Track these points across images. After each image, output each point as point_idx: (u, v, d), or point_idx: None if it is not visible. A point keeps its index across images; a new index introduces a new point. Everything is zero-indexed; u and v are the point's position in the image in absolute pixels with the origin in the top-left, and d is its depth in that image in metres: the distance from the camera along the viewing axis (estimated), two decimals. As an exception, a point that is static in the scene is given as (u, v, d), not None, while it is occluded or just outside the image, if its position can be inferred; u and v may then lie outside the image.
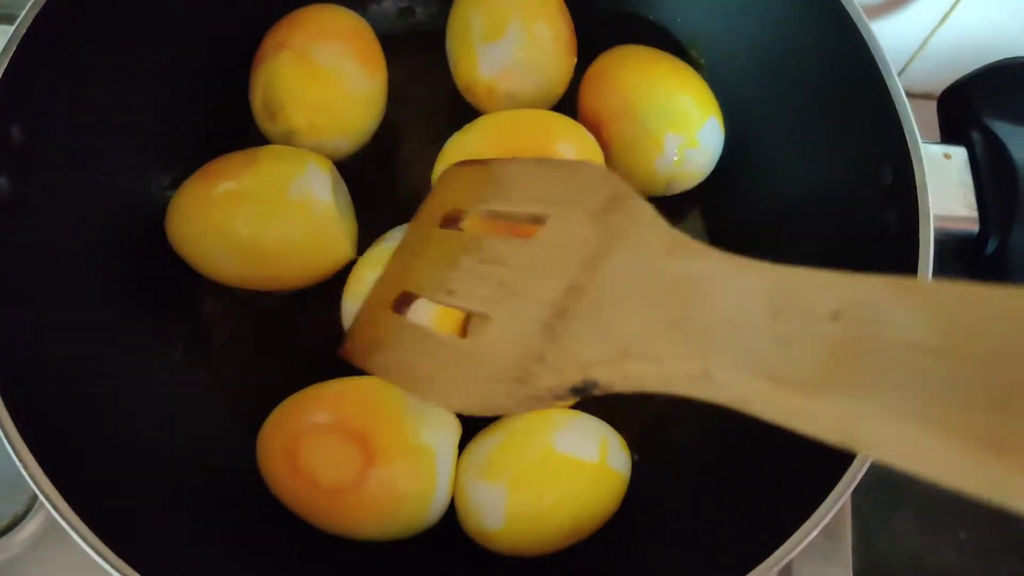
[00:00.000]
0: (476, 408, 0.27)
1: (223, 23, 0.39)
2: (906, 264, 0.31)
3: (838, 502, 0.28)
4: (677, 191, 0.40)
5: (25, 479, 0.27)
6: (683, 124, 0.38)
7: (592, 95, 0.40)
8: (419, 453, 0.32)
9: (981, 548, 0.58)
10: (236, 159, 0.36)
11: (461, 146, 0.37)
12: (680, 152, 0.38)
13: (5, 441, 0.27)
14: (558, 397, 0.24)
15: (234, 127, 0.38)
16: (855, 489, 0.29)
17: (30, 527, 0.38)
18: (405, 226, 0.36)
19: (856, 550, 0.47)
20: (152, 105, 0.37)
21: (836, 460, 0.29)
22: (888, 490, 0.59)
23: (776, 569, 0.28)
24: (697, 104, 0.38)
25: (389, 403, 0.33)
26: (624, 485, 0.34)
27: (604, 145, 0.38)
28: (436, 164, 0.38)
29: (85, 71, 0.34)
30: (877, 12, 0.48)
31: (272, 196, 0.35)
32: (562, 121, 0.38)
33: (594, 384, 0.22)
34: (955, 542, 0.58)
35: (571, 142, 0.37)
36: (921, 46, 0.51)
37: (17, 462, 0.27)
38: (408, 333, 0.31)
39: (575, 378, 0.23)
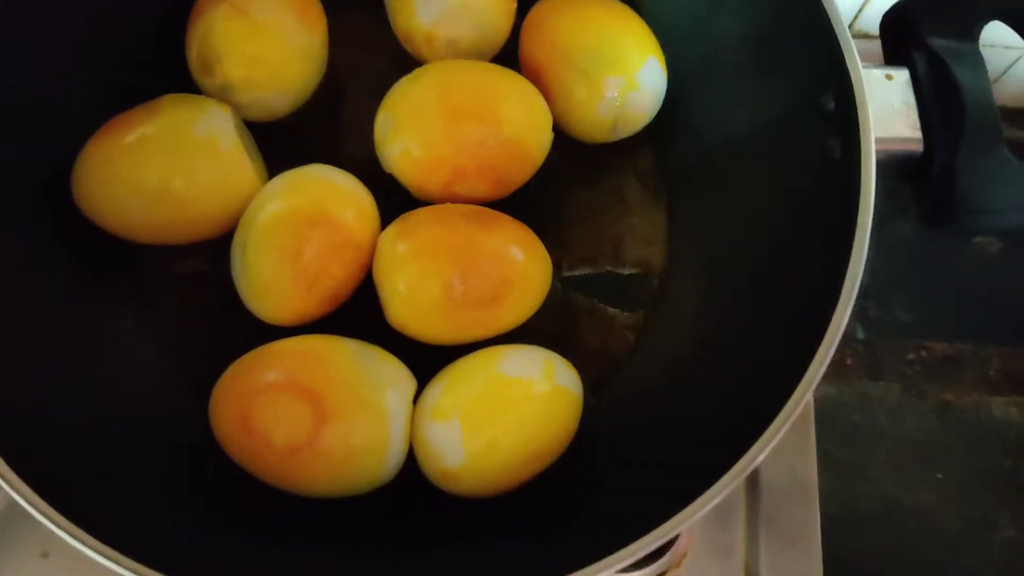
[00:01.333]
0: None
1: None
2: (850, 188, 0.31)
3: (785, 424, 0.28)
4: (624, 135, 0.40)
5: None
6: (622, 66, 0.37)
7: (530, 43, 0.39)
8: (372, 408, 0.32)
9: (958, 486, 0.59)
10: (137, 112, 0.35)
11: (406, 96, 0.36)
12: (621, 95, 0.37)
13: None
14: None
15: (169, 86, 0.37)
16: (828, 438, 0.29)
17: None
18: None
19: (830, 496, 0.47)
20: (82, 63, 0.36)
21: (779, 393, 0.29)
22: (863, 436, 0.60)
23: (743, 476, 0.28)
24: (636, 45, 0.38)
25: (341, 360, 0.33)
26: (577, 404, 0.34)
27: (546, 93, 0.38)
28: (378, 113, 0.37)
29: (5, 23, 0.33)
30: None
31: (177, 139, 0.34)
32: (508, 77, 0.37)
33: None
34: (932, 482, 0.58)
35: (517, 100, 0.37)
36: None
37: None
38: None
39: None
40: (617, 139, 0.40)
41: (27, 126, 0.34)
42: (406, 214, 0.36)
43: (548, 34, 0.38)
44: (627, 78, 0.37)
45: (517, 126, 0.36)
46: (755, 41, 0.36)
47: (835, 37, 0.32)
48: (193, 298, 0.38)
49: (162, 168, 0.34)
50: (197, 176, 0.34)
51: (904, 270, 0.63)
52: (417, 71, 0.37)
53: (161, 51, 0.39)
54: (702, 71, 0.39)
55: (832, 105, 0.33)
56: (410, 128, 0.36)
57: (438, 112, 0.35)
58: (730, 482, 0.28)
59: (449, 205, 0.36)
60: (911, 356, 0.63)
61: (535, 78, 0.38)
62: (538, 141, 0.37)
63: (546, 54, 0.38)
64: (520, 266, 0.35)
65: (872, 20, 0.51)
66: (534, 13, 0.40)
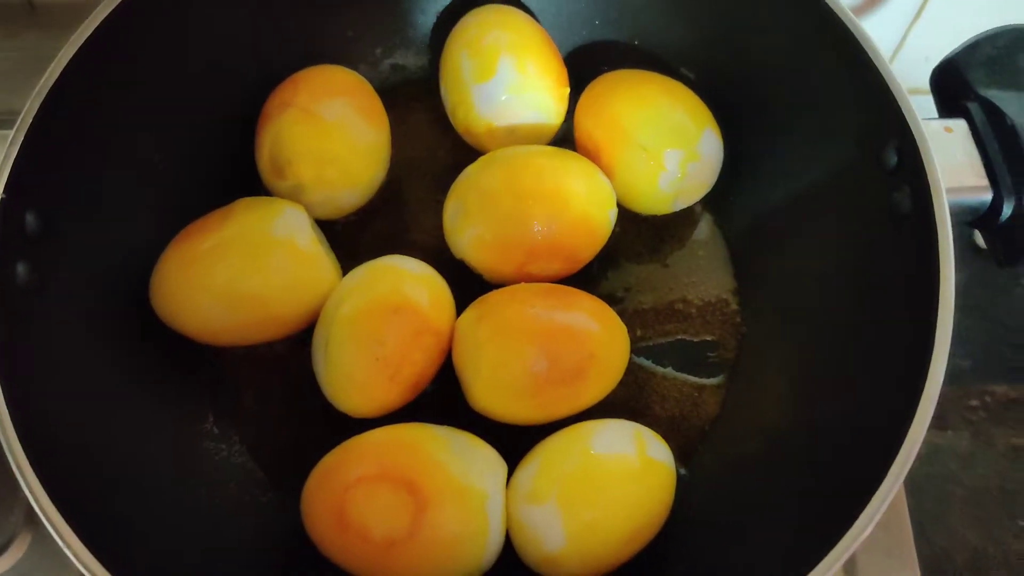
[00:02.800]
0: None
1: (225, 92, 0.40)
2: (925, 240, 0.32)
3: (892, 490, 0.28)
4: (684, 206, 0.40)
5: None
6: (681, 139, 0.38)
7: (587, 123, 0.40)
8: (470, 495, 0.32)
9: (1041, 534, 0.57)
10: (212, 217, 0.36)
11: (474, 184, 0.38)
12: (682, 167, 0.38)
13: (47, 523, 0.26)
14: None
15: (240, 190, 0.39)
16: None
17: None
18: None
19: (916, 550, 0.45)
20: (157, 176, 0.38)
21: (882, 451, 0.28)
22: (937, 487, 0.58)
23: (839, 564, 0.27)
24: (692, 118, 0.39)
25: (433, 447, 0.33)
26: (671, 477, 0.34)
27: (607, 170, 0.39)
28: (447, 202, 0.38)
29: (92, 152, 0.34)
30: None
31: (255, 240, 0.35)
32: (568, 158, 0.38)
33: None
34: (1015, 528, 0.56)
35: (580, 178, 0.38)
36: (899, 45, 0.53)
37: (60, 542, 0.26)
38: None
39: None
40: (676, 211, 0.40)
41: (107, 234, 0.35)
42: (482, 297, 0.36)
43: (605, 112, 0.39)
44: (687, 150, 0.38)
45: (583, 203, 0.37)
46: (809, 103, 0.37)
47: (891, 93, 0.33)
48: (272, 397, 0.39)
49: (242, 270, 0.35)
50: (277, 276, 0.35)
51: (957, 316, 0.63)
52: (482, 159, 0.38)
53: (228, 158, 0.40)
54: (757, 136, 0.40)
55: (894, 159, 0.33)
56: (480, 214, 0.37)
57: (507, 197, 0.36)
58: (828, 569, 0.27)
59: (523, 285, 0.36)
60: (975, 402, 0.62)
61: (595, 156, 0.39)
62: (604, 216, 0.38)
63: (605, 132, 0.39)
64: (601, 340, 0.35)
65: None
66: (588, 93, 0.41)
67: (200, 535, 0.34)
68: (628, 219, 0.41)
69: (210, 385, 0.38)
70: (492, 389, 0.34)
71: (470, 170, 0.38)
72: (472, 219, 0.37)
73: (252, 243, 0.35)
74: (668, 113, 0.38)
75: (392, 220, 0.42)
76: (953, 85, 0.35)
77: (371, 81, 0.42)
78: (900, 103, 0.33)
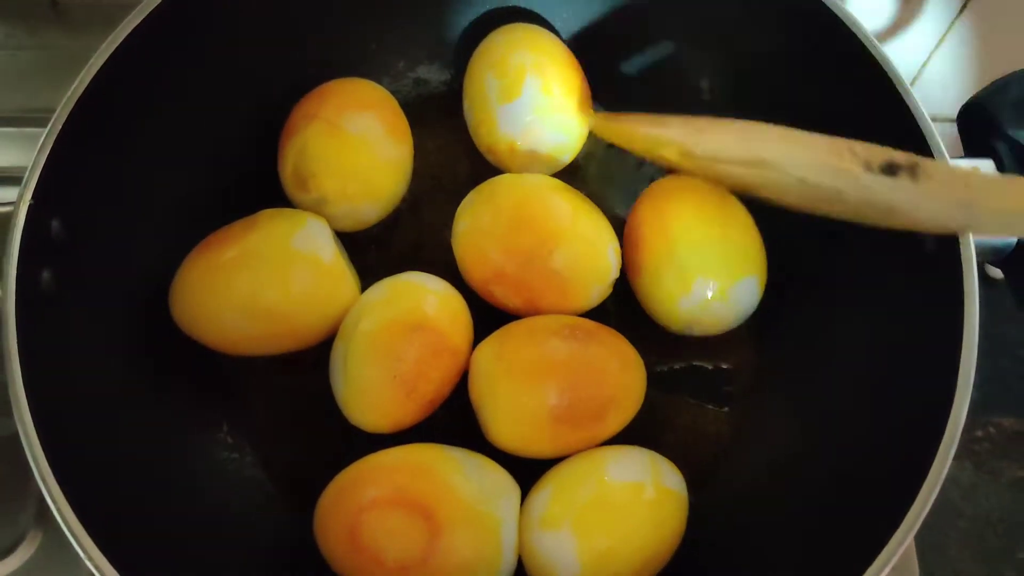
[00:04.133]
0: None
1: (250, 102, 0.39)
2: (949, 280, 0.32)
3: (904, 542, 0.27)
4: (696, 335, 0.38)
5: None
6: (720, 274, 0.36)
7: (644, 215, 0.38)
8: (484, 521, 0.32)
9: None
10: (235, 228, 0.36)
11: (474, 216, 0.38)
12: (706, 302, 0.36)
13: (63, 524, 0.26)
14: None
15: (262, 201, 0.39)
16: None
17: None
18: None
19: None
20: (180, 185, 0.38)
21: (897, 498, 0.28)
22: (939, 517, 0.58)
23: None
24: (742, 259, 0.37)
25: (448, 471, 0.33)
26: (684, 506, 0.34)
27: (636, 264, 0.38)
28: (454, 225, 0.38)
29: (118, 159, 0.34)
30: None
31: (278, 252, 0.35)
32: (593, 217, 0.38)
33: None
34: (1015, 561, 0.56)
35: (582, 243, 0.37)
36: (917, 74, 0.53)
37: (74, 543, 0.27)
38: None
39: None
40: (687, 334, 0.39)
41: (129, 242, 0.35)
42: (502, 330, 0.36)
43: (663, 216, 0.37)
44: (719, 288, 0.36)
45: (567, 266, 0.36)
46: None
47: (923, 134, 0.33)
48: (286, 408, 0.39)
49: (263, 281, 0.35)
50: (298, 288, 0.35)
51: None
52: (489, 189, 0.38)
53: (251, 169, 0.40)
54: None
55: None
56: (481, 212, 0.37)
57: (509, 212, 0.37)
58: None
59: (543, 318, 0.36)
60: (979, 433, 0.62)
61: (633, 246, 0.38)
62: (586, 287, 0.37)
63: (654, 232, 0.37)
64: (621, 382, 0.35)
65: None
66: (659, 186, 0.39)
67: (210, 541, 0.33)
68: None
69: (226, 394, 0.38)
70: (508, 426, 0.34)
71: (496, 180, 0.38)
72: (473, 213, 0.38)
73: (274, 254, 0.35)
74: (720, 243, 0.37)
75: (412, 234, 0.42)
76: (980, 125, 0.35)
77: (393, 94, 0.42)
78: (928, 141, 0.33)
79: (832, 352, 0.37)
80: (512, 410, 0.34)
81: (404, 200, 0.41)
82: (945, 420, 0.29)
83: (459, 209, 0.39)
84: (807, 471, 0.35)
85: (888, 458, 0.31)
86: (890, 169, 0.30)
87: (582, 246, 0.37)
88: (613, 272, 0.38)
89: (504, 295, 0.37)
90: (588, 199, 0.39)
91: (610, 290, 0.38)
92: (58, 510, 0.27)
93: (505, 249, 0.36)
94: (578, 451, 0.35)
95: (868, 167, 0.30)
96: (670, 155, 0.33)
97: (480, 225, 0.37)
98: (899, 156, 0.30)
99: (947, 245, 0.31)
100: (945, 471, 0.28)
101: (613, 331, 0.36)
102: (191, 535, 0.33)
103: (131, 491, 0.31)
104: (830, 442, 0.35)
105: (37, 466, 0.27)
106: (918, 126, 0.33)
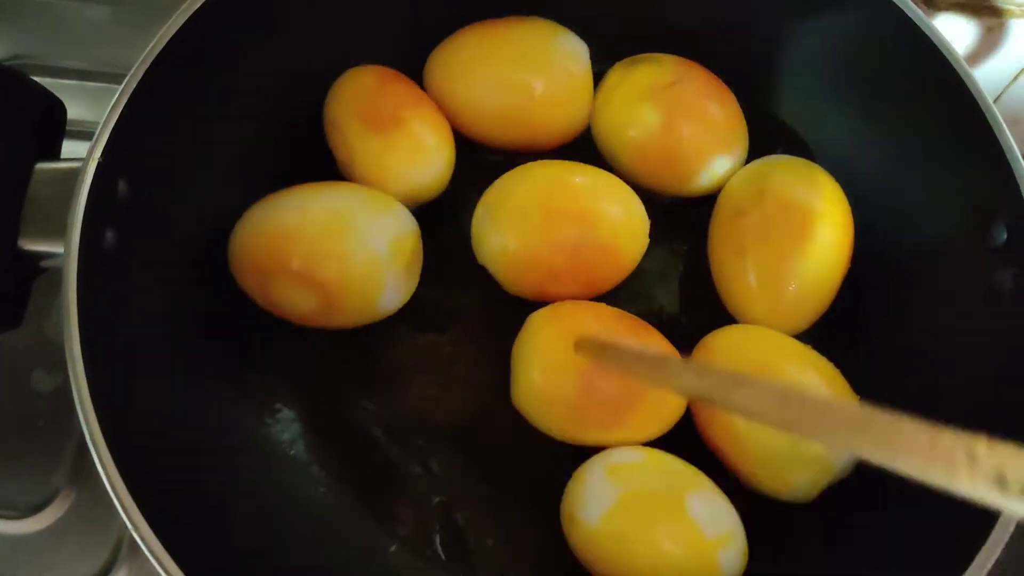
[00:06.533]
0: None
1: (307, 73, 0.39)
2: (1020, 322, 0.31)
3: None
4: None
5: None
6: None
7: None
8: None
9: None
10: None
11: (506, 192, 0.37)
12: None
13: (105, 480, 0.26)
14: None
15: (310, 160, 0.39)
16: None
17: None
18: None
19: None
20: (235, 148, 0.37)
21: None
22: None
23: None
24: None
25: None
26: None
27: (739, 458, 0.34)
28: (477, 207, 0.37)
29: (185, 122, 0.34)
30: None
31: (540, 46, 0.39)
32: (607, 181, 0.37)
33: None
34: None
35: (615, 203, 0.37)
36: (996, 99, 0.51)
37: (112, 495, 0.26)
38: None
39: None
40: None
41: (188, 203, 0.35)
42: (561, 304, 0.36)
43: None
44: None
45: (613, 231, 0.36)
46: (920, 167, 0.36)
47: (1012, 169, 0.32)
48: (335, 384, 0.38)
49: (519, 64, 0.39)
50: (549, 85, 0.38)
51: None
52: (519, 169, 0.37)
53: (301, 135, 0.39)
54: (866, 194, 0.38)
55: (1003, 237, 0.32)
56: (507, 224, 0.36)
57: (537, 212, 0.36)
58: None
59: (603, 305, 0.36)
60: None
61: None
62: (632, 247, 0.37)
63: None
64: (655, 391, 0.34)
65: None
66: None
67: (251, 511, 0.33)
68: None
69: (278, 365, 0.38)
70: (535, 397, 0.34)
71: (504, 179, 0.37)
72: (498, 228, 0.36)
73: (535, 47, 0.39)
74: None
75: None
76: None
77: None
78: (1019, 180, 0.32)
79: (889, 387, 0.35)
80: (543, 371, 0.34)
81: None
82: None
83: (479, 219, 0.37)
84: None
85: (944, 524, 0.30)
86: None
87: (618, 209, 0.37)
88: (646, 221, 0.37)
89: (561, 289, 0.36)
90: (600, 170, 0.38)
91: (647, 242, 0.38)
92: (103, 467, 0.27)
93: (550, 246, 0.35)
94: (590, 444, 0.34)
95: (1002, 486, 0.16)
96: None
97: (513, 235, 0.36)
98: None
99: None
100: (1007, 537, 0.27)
101: (666, 341, 0.36)
102: (233, 499, 0.33)
103: (174, 453, 0.31)
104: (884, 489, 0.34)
105: (88, 425, 0.27)
106: (1008, 165, 0.32)
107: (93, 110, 0.35)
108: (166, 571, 0.26)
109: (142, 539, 0.26)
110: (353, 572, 0.34)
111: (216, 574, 0.27)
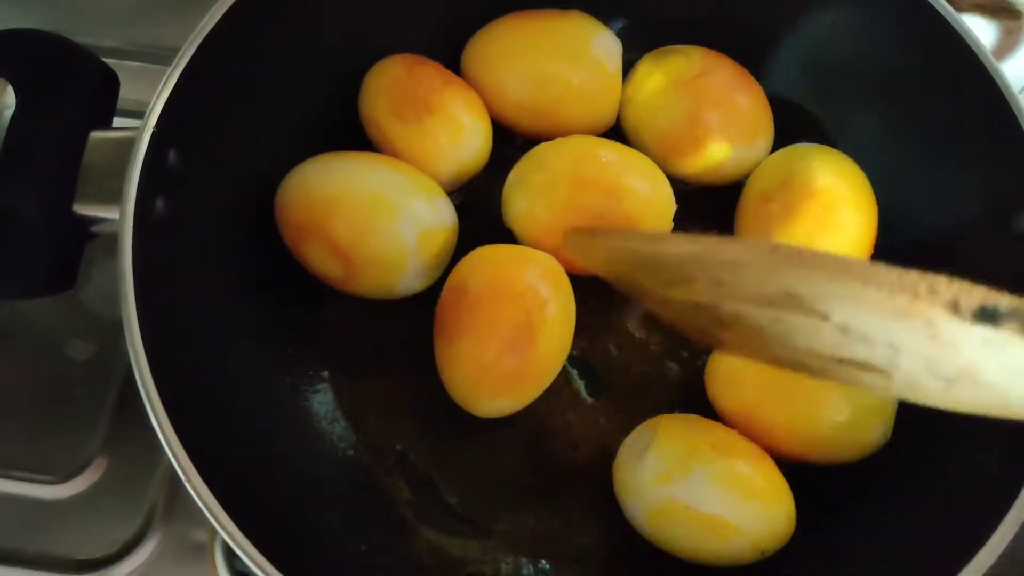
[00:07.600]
0: None
1: (348, 55, 0.40)
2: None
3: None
4: None
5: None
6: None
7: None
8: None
9: None
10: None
11: (539, 160, 0.38)
12: None
13: (174, 462, 0.27)
14: None
15: (347, 131, 0.40)
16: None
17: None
18: None
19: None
20: (277, 121, 0.38)
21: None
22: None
23: None
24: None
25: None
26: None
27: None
28: (512, 171, 0.39)
29: (234, 96, 0.35)
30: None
31: (577, 41, 0.40)
32: (636, 158, 0.38)
33: None
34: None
35: (642, 178, 0.38)
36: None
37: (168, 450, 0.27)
38: None
39: None
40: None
41: (234, 172, 0.36)
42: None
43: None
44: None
45: (638, 205, 0.37)
46: (943, 156, 0.37)
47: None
48: (385, 358, 0.39)
49: (552, 54, 0.40)
50: (580, 79, 0.40)
51: None
52: (556, 141, 0.39)
53: (338, 110, 0.40)
54: (886, 184, 0.39)
55: (1024, 224, 0.33)
56: (536, 188, 0.37)
57: (566, 180, 0.37)
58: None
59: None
60: None
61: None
62: (655, 224, 0.38)
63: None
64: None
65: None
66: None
67: (289, 474, 0.35)
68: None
69: (328, 336, 0.39)
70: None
71: (539, 149, 0.38)
72: (527, 192, 0.37)
73: (572, 43, 0.40)
74: None
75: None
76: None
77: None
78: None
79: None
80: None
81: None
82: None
83: (507, 190, 0.38)
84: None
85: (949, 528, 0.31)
86: (989, 316, 0.19)
87: (644, 184, 0.38)
88: (673, 201, 0.38)
89: None
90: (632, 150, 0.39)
91: (671, 223, 0.38)
92: (159, 425, 0.27)
93: (575, 213, 0.36)
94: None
95: (955, 310, 0.19)
96: (653, 283, 0.26)
97: (538, 198, 0.37)
98: (1004, 300, 0.19)
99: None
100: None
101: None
102: (273, 461, 0.34)
103: (222, 420, 0.32)
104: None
105: (145, 388, 0.28)
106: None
107: (134, 89, 0.36)
108: (208, 509, 0.27)
109: (181, 469, 0.27)
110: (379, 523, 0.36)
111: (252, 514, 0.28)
